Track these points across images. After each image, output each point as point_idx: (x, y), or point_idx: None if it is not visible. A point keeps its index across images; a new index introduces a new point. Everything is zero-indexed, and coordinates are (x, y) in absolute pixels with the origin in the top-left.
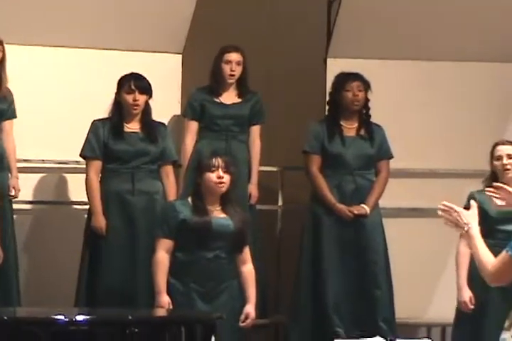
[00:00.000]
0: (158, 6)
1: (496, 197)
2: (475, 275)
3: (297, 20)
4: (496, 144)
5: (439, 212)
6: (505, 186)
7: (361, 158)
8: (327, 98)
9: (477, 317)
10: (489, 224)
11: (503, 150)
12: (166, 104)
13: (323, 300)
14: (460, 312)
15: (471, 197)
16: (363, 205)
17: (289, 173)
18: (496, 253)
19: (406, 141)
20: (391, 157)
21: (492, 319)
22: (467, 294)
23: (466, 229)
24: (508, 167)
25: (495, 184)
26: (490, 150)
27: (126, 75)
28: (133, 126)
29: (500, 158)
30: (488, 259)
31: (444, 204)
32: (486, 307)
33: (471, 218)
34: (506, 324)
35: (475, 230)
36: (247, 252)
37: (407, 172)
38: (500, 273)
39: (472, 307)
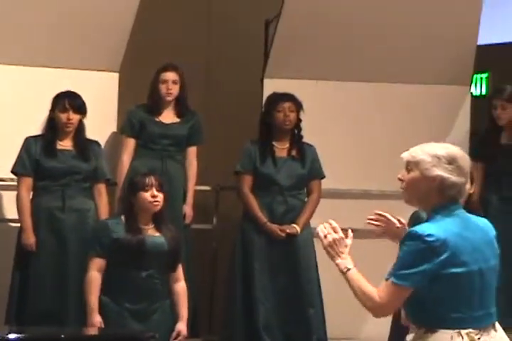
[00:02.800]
0: (95, 24)
1: (375, 225)
2: None
3: (235, 40)
4: None
5: (320, 226)
6: (386, 214)
7: (292, 178)
8: None
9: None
10: None
11: None
12: (102, 121)
13: (254, 320)
14: (395, 328)
15: (416, 215)
16: (293, 225)
17: (224, 193)
18: None
19: (340, 162)
20: (322, 177)
21: None
22: None
23: (345, 270)
24: None
25: (376, 211)
26: None
27: (61, 93)
28: (66, 144)
29: None
30: (373, 292)
31: (330, 222)
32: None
33: (347, 249)
34: None
35: (355, 271)
36: (180, 270)
37: (340, 192)
38: (390, 303)
39: None
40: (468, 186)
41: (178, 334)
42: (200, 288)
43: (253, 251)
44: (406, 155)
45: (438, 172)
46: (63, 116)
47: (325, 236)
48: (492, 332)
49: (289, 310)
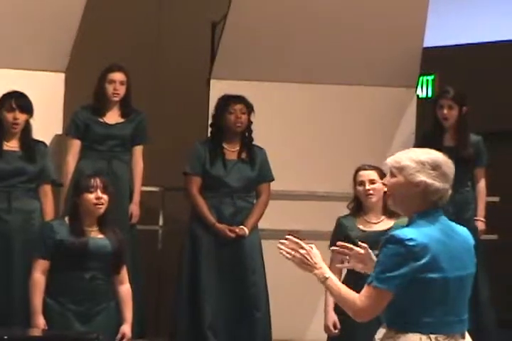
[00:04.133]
0: (41, 25)
1: (341, 253)
2: None
3: (182, 41)
4: (358, 169)
5: (280, 246)
6: (348, 245)
7: (242, 181)
8: (210, 119)
9: (348, 339)
10: None
11: (365, 175)
12: (48, 122)
13: (200, 321)
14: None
15: (338, 222)
16: (242, 226)
17: (170, 194)
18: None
19: (286, 163)
20: (272, 180)
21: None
22: (331, 319)
23: (323, 279)
24: (371, 192)
25: (339, 243)
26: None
27: (7, 93)
28: (12, 145)
29: (362, 183)
30: (354, 296)
31: (288, 239)
32: (355, 330)
33: (319, 258)
34: None
35: (333, 278)
36: (124, 272)
37: (286, 194)
38: (372, 307)
39: (336, 331)
40: (450, 192)
41: (123, 337)
42: (146, 289)
43: (201, 251)
44: (390, 161)
45: (422, 178)
46: (10, 116)
47: (293, 257)
48: (460, 339)
49: (235, 312)
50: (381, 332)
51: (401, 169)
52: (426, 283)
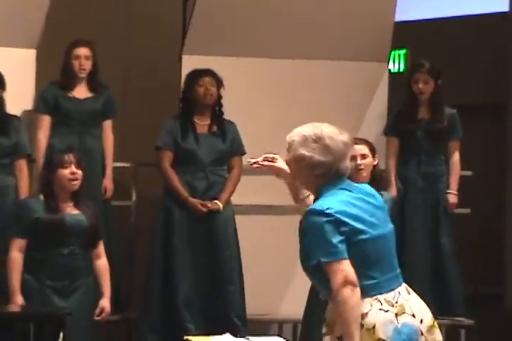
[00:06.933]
0: (12, 1)
1: (262, 166)
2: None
3: (153, 16)
4: None
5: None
6: (268, 156)
7: (213, 154)
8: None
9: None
10: None
11: (357, 150)
12: (19, 98)
13: (174, 296)
14: (310, 304)
15: None
16: (215, 201)
17: (142, 169)
18: None
19: (260, 138)
20: (243, 153)
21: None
22: None
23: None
24: (362, 167)
25: (266, 156)
26: None
27: None
28: None
29: (354, 157)
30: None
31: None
32: (315, 309)
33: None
34: (324, 330)
35: None
36: (101, 247)
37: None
38: (341, 279)
39: None
40: (348, 163)
41: (102, 311)
42: (119, 265)
43: (174, 227)
44: (287, 138)
45: (302, 151)
46: None
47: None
48: (405, 294)
49: (209, 287)
50: (329, 309)
51: (290, 145)
52: (359, 245)
